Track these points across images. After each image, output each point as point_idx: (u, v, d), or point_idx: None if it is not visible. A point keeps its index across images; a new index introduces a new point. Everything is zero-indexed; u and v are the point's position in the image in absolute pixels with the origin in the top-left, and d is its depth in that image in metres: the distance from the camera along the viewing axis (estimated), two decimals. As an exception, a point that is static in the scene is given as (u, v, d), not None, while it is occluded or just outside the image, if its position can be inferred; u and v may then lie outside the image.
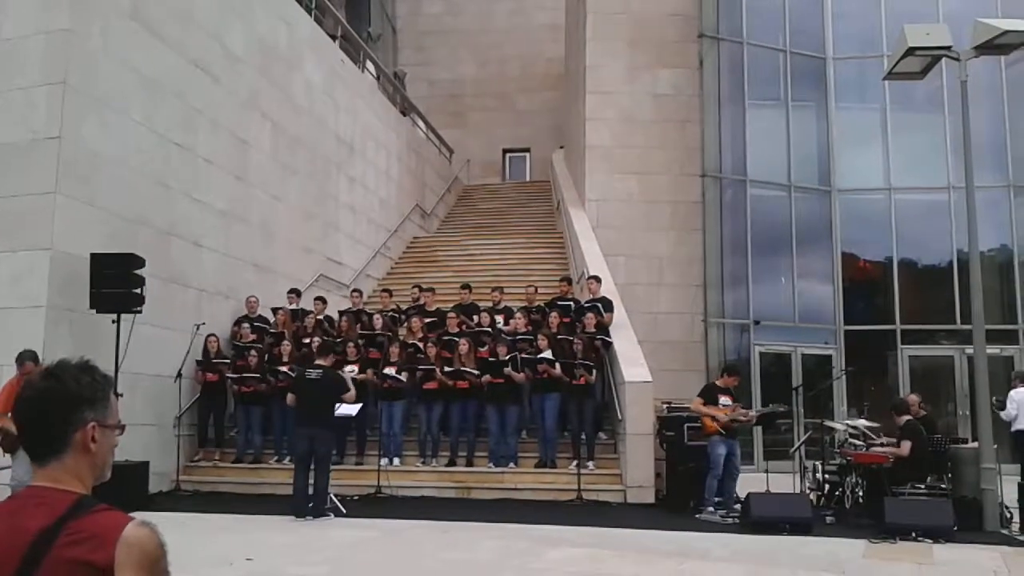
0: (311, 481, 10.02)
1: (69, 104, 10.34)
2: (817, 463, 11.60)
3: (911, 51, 11.09)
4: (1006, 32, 10.56)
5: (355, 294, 14.96)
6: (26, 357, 8.50)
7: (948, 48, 10.99)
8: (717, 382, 11.19)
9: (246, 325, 13.26)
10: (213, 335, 12.75)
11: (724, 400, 10.70)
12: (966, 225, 11.21)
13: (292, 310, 13.98)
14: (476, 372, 12.18)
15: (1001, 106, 17.59)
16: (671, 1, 18.47)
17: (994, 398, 11.46)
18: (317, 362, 10.62)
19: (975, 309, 10.77)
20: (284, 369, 12.41)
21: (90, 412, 1.84)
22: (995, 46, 10.89)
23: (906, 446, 10.30)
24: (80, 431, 1.82)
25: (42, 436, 1.80)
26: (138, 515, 1.77)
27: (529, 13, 30.03)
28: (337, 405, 10.33)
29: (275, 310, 13.83)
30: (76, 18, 10.53)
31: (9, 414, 8.19)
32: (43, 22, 10.48)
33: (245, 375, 12.49)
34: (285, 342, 12.88)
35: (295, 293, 14.27)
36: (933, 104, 17.56)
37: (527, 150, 30.04)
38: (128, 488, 9.88)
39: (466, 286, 14.56)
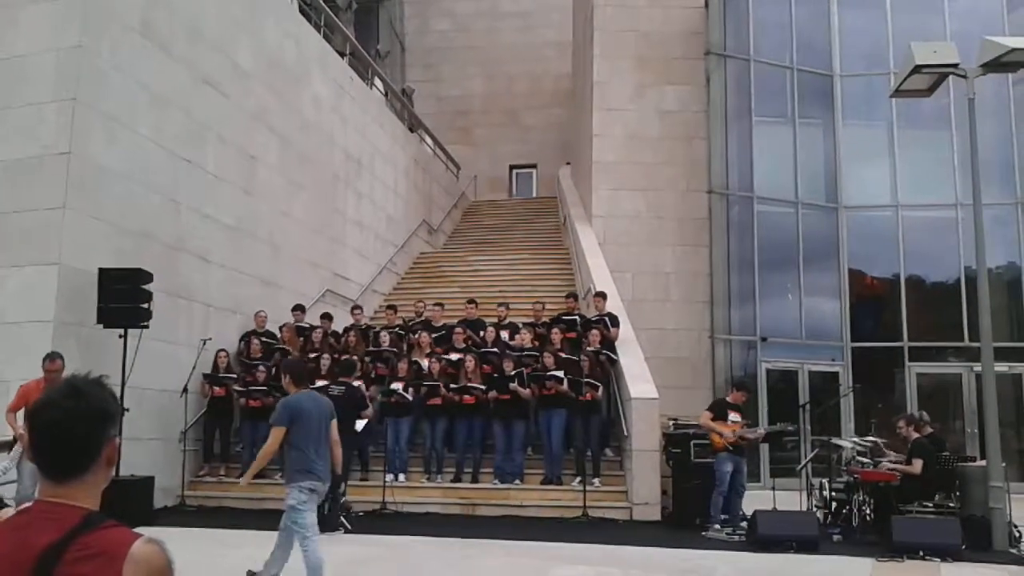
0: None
1: (79, 120, 10.41)
2: (824, 481, 11.54)
3: (918, 69, 11.09)
4: (1013, 50, 10.56)
5: (356, 311, 14.99)
6: (56, 355, 8.69)
7: (955, 66, 10.99)
8: (727, 398, 11.16)
9: (255, 341, 13.27)
10: (223, 350, 12.78)
11: (733, 416, 10.66)
12: (974, 242, 11.19)
13: (298, 326, 14.01)
14: (482, 387, 12.18)
15: (1009, 123, 17.55)
16: (678, 19, 18.53)
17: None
18: (341, 379, 10.65)
19: (983, 326, 10.73)
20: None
21: (113, 428, 1.85)
22: (1002, 64, 10.89)
23: (917, 464, 10.25)
24: (107, 447, 1.83)
25: (71, 454, 1.79)
26: (144, 531, 1.77)
27: (536, 30, 30.16)
28: (358, 422, 10.40)
29: (282, 327, 13.86)
30: (86, 35, 10.61)
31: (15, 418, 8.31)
32: (54, 39, 10.57)
33: (252, 389, 12.49)
34: (290, 358, 12.88)
35: (300, 310, 14.29)
36: (940, 121, 17.55)
37: (534, 166, 30.07)
38: (133, 503, 9.87)
39: (472, 301, 14.57)
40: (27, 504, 1.90)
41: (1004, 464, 10.30)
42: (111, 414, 1.84)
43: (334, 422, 6.91)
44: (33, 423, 1.80)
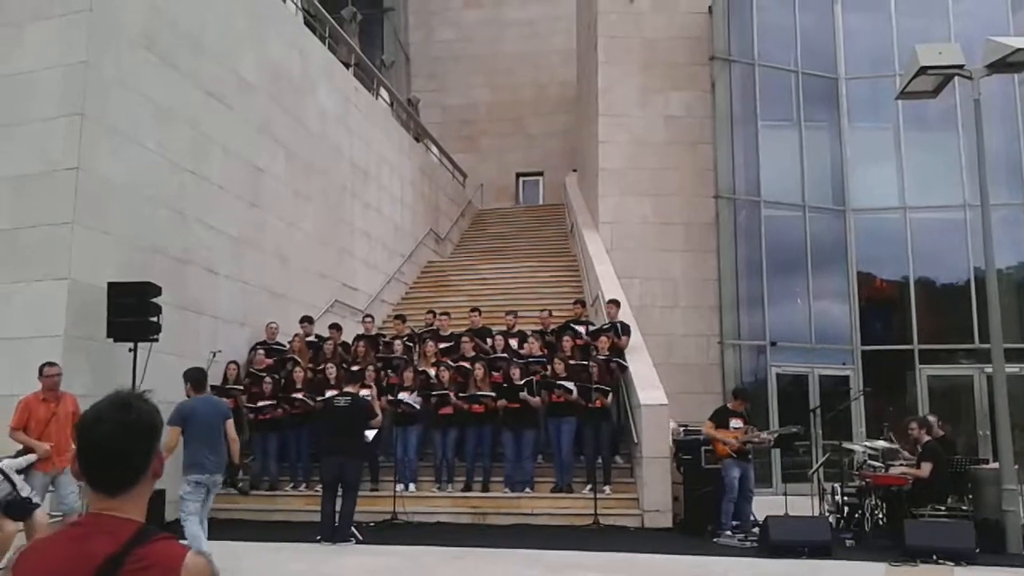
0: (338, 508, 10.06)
1: (86, 135, 10.45)
2: (836, 485, 11.48)
3: (923, 70, 11.09)
4: (1018, 50, 10.55)
5: (367, 320, 14.99)
6: (54, 362, 8.66)
7: (960, 67, 10.98)
8: (729, 405, 11.17)
9: (261, 351, 13.29)
10: (234, 362, 12.81)
11: (735, 423, 10.68)
12: (982, 243, 11.14)
13: (308, 340, 14.02)
14: (492, 395, 12.16)
15: (1015, 123, 17.50)
16: (682, 24, 18.55)
17: None
18: (346, 389, 10.67)
19: (993, 328, 10.68)
20: (299, 396, 12.43)
21: (160, 441, 1.91)
22: (1007, 64, 10.88)
23: (926, 467, 10.20)
24: (155, 459, 1.88)
25: (125, 467, 1.83)
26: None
27: (541, 38, 30.21)
28: (367, 432, 10.42)
29: (292, 339, 13.87)
30: (92, 50, 10.66)
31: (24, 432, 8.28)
32: (60, 55, 10.62)
33: (260, 403, 12.50)
34: (299, 368, 12.90)
35: (308, 321, 14.30)
36: (947, 122, 17.50)
37: (540, 174, 30.11)
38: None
39: (476, 309, 14.55)
40: (74, 517, 1.94)
41: (1016, 466, 10.24)
42: (158, 428, 1.90)
43: (230, 422, 8.12)
44: (85, 438, 1.83)
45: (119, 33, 11.17)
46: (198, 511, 7.86)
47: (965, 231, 17.03)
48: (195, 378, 8.23)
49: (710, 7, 18.46)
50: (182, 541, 1.93)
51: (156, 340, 10.54)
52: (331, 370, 12.73)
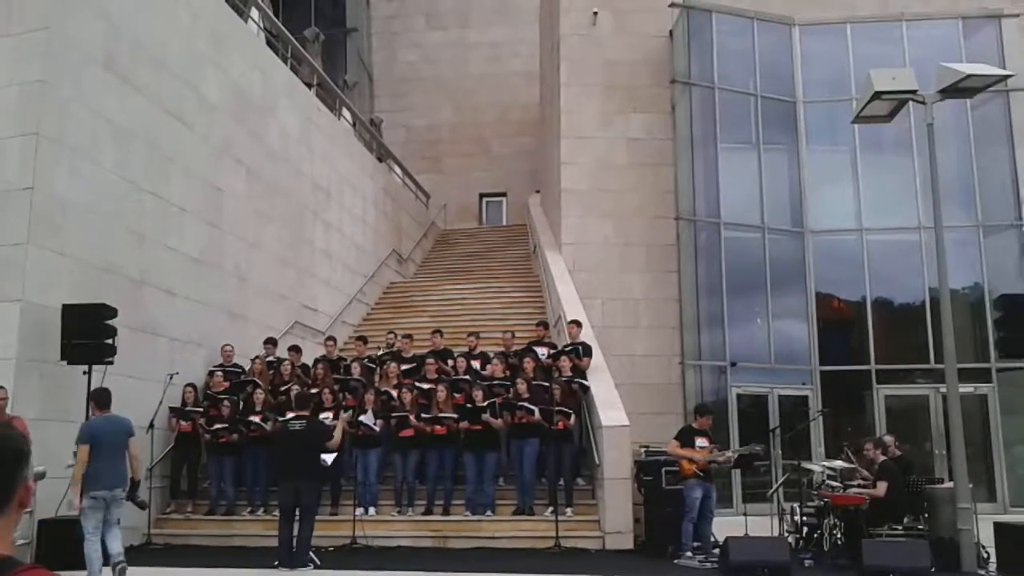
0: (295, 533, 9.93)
1: (42, 154, 10.31)
2: (795, 505, 11.56)
3: (878, 95, 11.28)
4: (968, 76, 10.78)
5: (329, 342, 14.89)
6: (1, 386, 8.78)
7: (914, 92, 11.18)
8: (693, 424, 11.20)
9: (219, 374, 13.14)
10: (191, 385, 12.66)
11: (700, 442, 10.70)
12: (937, 265, 11.32)
13: (268, 360, 13.89)
14: (454, 416, 12.09)
15: (968, 147, 17.81)
16: (643, 48, 18.74)
17: None
18: (299, 413, 10.56)
19: (947, 348, 10.84)
20: (256, 419, 12.29)
21: (26, 469, 1.81)
22: (959, 89, 11.10)
23: (882, 487, 10.32)
24: (21, 488, 1.79)
25: None
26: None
27: (504, 60, 30.39)
28: (324, 456, 10.29)
29: (254, 360, 13.73)
30: (49, 69, 10.54)
31: None
32: (16, 74, 10.49)
33: (217, 426, 12.34)
34: (259, 391, 12.76)
35: (272, 343, 14.17)
36: (902, 146, 17.79)
37: (503, 194, 30.21)
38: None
39: (437, 331, 14.51)
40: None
41: (971, 485, 10.37)
42: (25, 455, 1.80)
43: (132, 439, 8.67)
44: None
45: (77, 52, 11.05)
46: (98, 528, 8.18)
47: (920, 252, 17.27)
48: (98, 399, 8.74)
49: (671, 31, 18.67)
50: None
51: (111, 363, 10.40)
52: (294, 391, 12.61)
